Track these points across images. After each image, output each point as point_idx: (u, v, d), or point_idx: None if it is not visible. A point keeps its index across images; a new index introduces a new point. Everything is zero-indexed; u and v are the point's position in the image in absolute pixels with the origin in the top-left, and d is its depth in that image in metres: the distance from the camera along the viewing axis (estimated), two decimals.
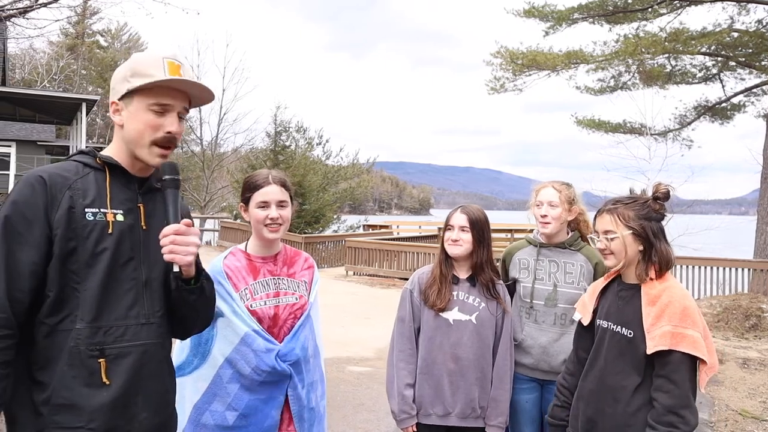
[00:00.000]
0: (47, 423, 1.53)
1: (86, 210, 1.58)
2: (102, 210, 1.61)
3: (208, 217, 28.36)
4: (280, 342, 2.32)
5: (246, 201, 2.41)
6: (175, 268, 1.65)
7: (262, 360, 2.24)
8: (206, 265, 1.91)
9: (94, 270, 1.57)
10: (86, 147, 1.74)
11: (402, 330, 2.78)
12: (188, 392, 2.31)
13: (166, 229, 1.63)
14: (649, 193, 2.25)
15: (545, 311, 2.98)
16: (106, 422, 1.56)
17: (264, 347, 2.25)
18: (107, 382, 1.57)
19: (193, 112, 29.99)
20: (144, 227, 1.69)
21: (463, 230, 2.72)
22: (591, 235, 2.40)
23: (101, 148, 1.80)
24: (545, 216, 2.96)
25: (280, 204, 2.38)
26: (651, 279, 2.19)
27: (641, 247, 2.20)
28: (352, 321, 9.50)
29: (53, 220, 1.54)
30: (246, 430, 2.25)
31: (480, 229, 2.73)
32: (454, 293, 2.73)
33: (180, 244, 1.62)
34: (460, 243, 2.71)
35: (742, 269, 11.98)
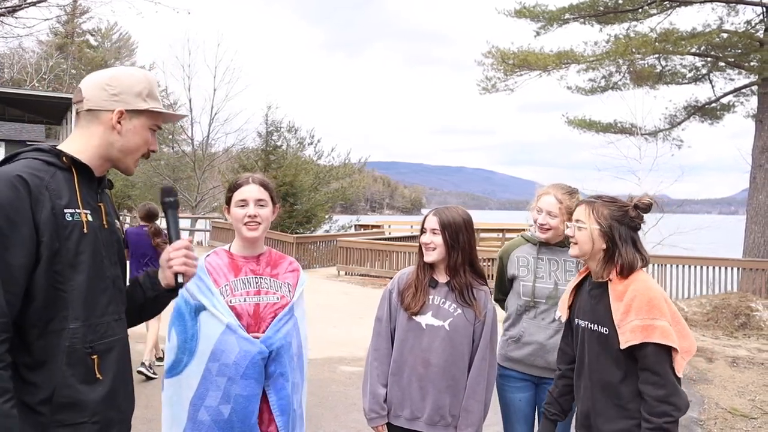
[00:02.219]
0: (50, 421, 1.55)
1: (65, 211, 1.58)
2: (77, 210, 1.62)
3: (200, 217, 28.25)
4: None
5: (228, 201, 2.48)
6: (180, 279, 1.82)
7: (243, 348, 2.25)
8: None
9: (77, 270, 1.59)
10: (43, 144, 1.71)
11: (379, 329, 2.76)
12: (183, 390, 2.31)
13: (178, 244, 1.84)
14: (634, 201, 2.31)
15: (546, 309, 3.01)
16: (105, 415, 1.64)
17: (244, 336, 2.28)
18: (100, 377, 1.63)
19: (184, 112, 29.85)
20: (105, 226, 1.73)
21: (434, 233, 2.65)
22: (566, 222, 2.46)
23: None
24: (543, 225, 3.00)
25: (259, 203, 2.41)
26: (610, 279, 2.26)
27: (605, 246, 2.27)
28: (345, 321, 9.50)
29: (39, 222, 1.53)
30: (238, 424, 2.25)
31: (453, 231, 2.64)
32: (431, 297, 2.67)
33: (190, 258, 1.84)
34: (432, 246, 2.65)
35: (732, 268, 12.07)
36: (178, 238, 1.87)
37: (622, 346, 2.15)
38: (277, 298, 2.41)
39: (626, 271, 2.22)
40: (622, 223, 2.26)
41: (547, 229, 2.99)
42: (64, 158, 1.66)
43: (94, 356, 1.62)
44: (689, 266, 12.16)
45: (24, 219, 1.51)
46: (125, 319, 1.79)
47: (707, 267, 12.14)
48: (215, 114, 29.11)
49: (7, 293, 1.47)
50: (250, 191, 2.41)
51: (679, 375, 2.16)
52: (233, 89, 40.21)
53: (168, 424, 2.37)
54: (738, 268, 12.04)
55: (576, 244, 2.33)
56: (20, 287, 1.50)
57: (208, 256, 2.49)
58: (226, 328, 2.27)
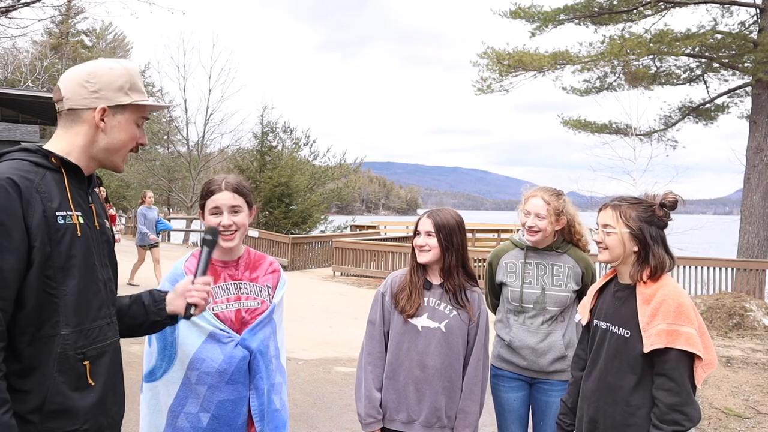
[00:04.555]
0: (40, 430, 1.51)
1: (57, 214, 1.54)
2: (68, 213, 1.57)
3: (195, 218, 28.18)
4: None
5: (202, 207, 2.40)
6: (192, 311, 1.85)
7: (227, 353, 2.24)
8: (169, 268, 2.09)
9: (69, 274, 1.55)
10: (30, 144, 1.66)
11: (372, 333, 2.74)
12: (162, 396, 2.30)
13: (203, 279, 1.90)
14: (658, 199, 2.27)
15: (534, 314, 3.01)
16: (96, 421, 1.61)
17: (227, 341, 2.26)
18: (92, 383, 1.60)
19: (179, 112, 29.76)
20: (97, 227, 1.69)
21: (429, 235, 2.65)
22: (591, 228, 2.44)
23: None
24: (532, 227, 2.98)
25: (233, 210, 2.34)
26: (644, 282, 2.21)
27: (636, 248, 2.23)
28: (340, 321, 9.49)
29: (31, 226, 1.48)
30: (224, 429, 2.25)
31: (447, 233, 2.64)
32: (425, 299, 2.67)
33: (209, 294, 1.90)
34: (427, 248, 2.65)
35: (726, 269, 12.11)
36: (204, 274, 1.93)
37: (646, 349, 2.10)
38: (258, 303, 2.39)
39: (658, 272, 2.20)
40: (651, 223, 2.23)
41: (536, 232, 2.97)
42: (53, 159, 1.61)
43: (86, 362, 1.58)
44: (684, 266, 12.17)
45: (15, 223, 1.46)
46: (117, 322, 1.75)
47: (701, 267, 12.17)
48: (210, 114, 29.04)
49: (0, 300, 1.43)
50: (224, 198, 2.32)
51: (698, 386, 2.11)
52: (229, 90, 40.01)
53: (146, 429, 2.35)
54: (732, 269, 12.08)
55: (606, 249, 2.29)
56: (12, 294, 1.46)
57: (186, 260, 2.43)
58: (208, 337, 2.25)
